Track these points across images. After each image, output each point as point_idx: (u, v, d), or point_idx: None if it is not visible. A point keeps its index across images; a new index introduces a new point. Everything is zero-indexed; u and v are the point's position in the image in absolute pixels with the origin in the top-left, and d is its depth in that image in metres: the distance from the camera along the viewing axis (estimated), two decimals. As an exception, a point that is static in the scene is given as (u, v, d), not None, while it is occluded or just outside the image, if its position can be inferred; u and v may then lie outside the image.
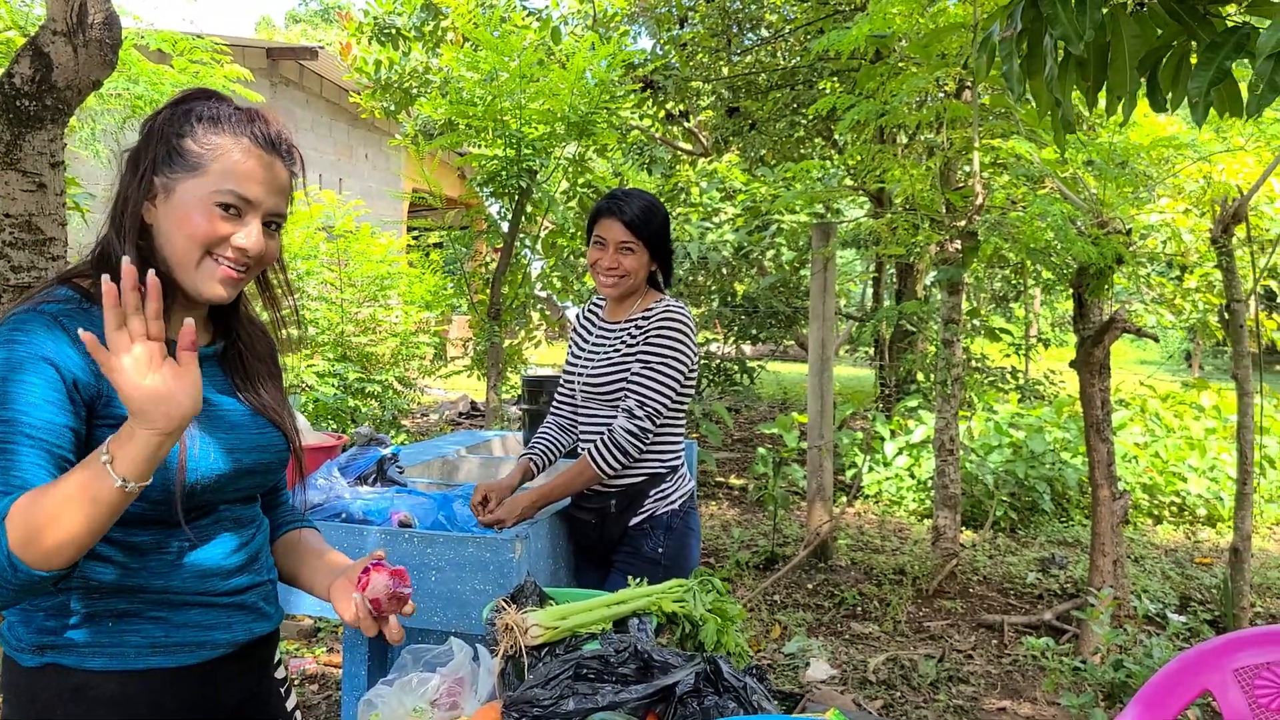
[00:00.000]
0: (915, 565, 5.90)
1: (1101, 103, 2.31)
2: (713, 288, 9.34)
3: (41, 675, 1.42)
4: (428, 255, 8.89)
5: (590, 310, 2.89)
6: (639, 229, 2.61)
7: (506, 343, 7.36)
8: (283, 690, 1.71)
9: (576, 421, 2.83)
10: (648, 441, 2.63)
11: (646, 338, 2.62)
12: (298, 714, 1.74)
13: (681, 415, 2.74)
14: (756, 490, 7.87)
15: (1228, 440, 7.87)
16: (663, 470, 2.71)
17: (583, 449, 2.70)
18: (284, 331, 1.67)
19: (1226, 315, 4.94)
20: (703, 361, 9.33)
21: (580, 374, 2.76)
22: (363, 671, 2.81)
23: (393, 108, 8.27)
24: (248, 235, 1.44)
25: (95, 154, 7.46)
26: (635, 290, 2.71)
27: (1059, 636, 4.87)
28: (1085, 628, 4.50)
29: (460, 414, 10.45)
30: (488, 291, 6.35)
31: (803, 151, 9.11)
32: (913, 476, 7.85)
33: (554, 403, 2.93)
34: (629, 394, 2.61)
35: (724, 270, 8.21)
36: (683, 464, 2.78)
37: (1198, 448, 7.93)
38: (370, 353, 7.97)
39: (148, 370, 1.21)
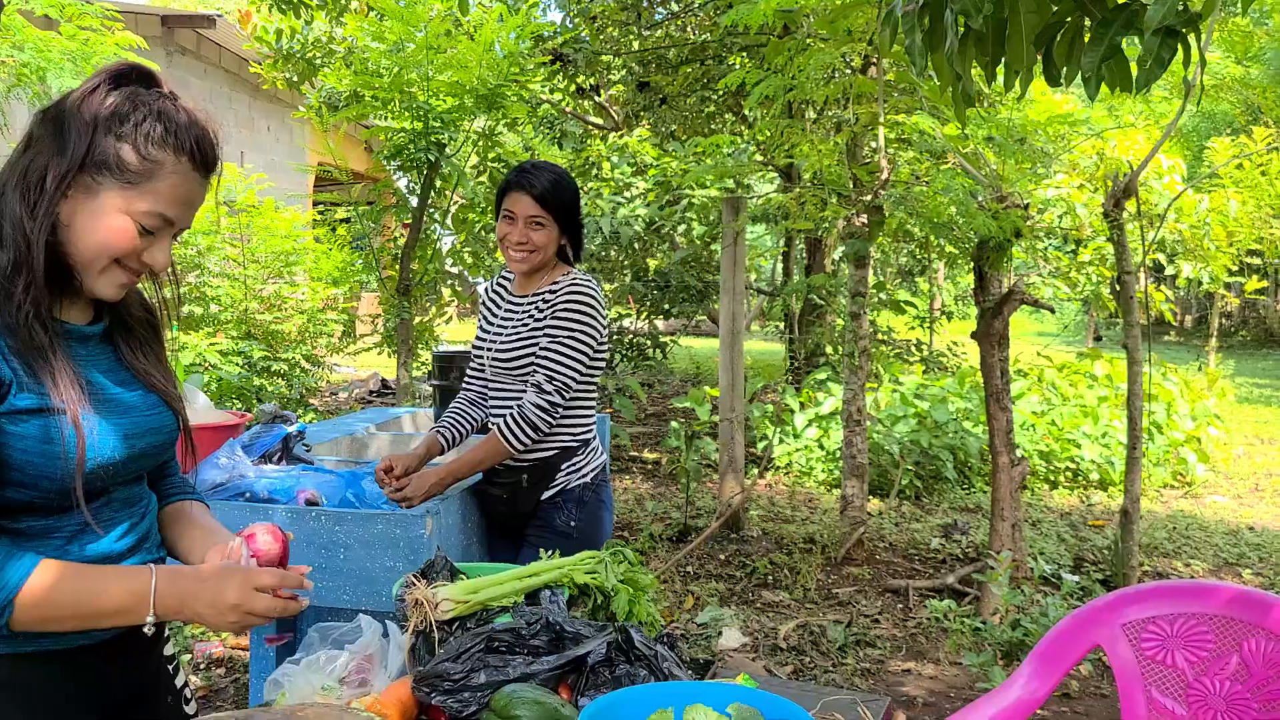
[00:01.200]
0: (824, 534, 6.02)
1: (1001, 78, 2.37)
2: (625, 263, 9.34)
3: None
4: (334, 230, 8.71)
5: (498, 284, 2.87)
6: (548, 203, 2.59)
7: (417, 319, 7.26)
8: (171, 668, 1.68)
9: (487, 396, 2.81)
10: (558, 416, 2.62)
11: (554, 312, 2.61)
12: (187, 690, 1.71)
13: (592, 389, 2.74)
14: (670, 464, 7.93)
15: (1119, 408, 8.19)
16: (574, 444, 2.71)
17: (493, 424, 2.69)
18: (168, 310, 1.62)
19: (1118, 287, 5.12)
20: (615, 337, 9.33)
21: (489, 349, 2.73)
22: (270, 653, 2.77)
23: (295, 79, 8.03)
24: (159, 253, 1.42)
25: (-21, 123, 7.10)
26: (544, 265, 2.69)
27: (961, 599, 5.03)
28: (985, 590, 4.65)
29: (371, 392, 10.29)
30: (396, 267, 6.25)
31: (713, 127, 9.14)
32: (822, 448, 8.00)
33: (465, 378, 2.90)
34: (538, 369, 2.60)
35: (635, 245, 8.22)
36: (594, 437, 2.78)
37: (1091, 415, 8.24)
38: (276, 330, 7.78)
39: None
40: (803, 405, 8.33)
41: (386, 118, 6.57)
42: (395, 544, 2.39)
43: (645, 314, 9.84)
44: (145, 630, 1.39)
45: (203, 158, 1.42)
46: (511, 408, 2.66)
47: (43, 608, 1.32)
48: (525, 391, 2.63)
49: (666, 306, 9.73)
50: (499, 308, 2.81)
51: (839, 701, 1.73)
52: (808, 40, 5.47)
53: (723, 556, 5.70)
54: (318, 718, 1.55)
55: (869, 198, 5.36)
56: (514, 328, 2.70)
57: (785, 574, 5.41)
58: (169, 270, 1.58)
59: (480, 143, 7.23)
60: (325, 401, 9.63)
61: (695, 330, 13.06)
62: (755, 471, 7.83)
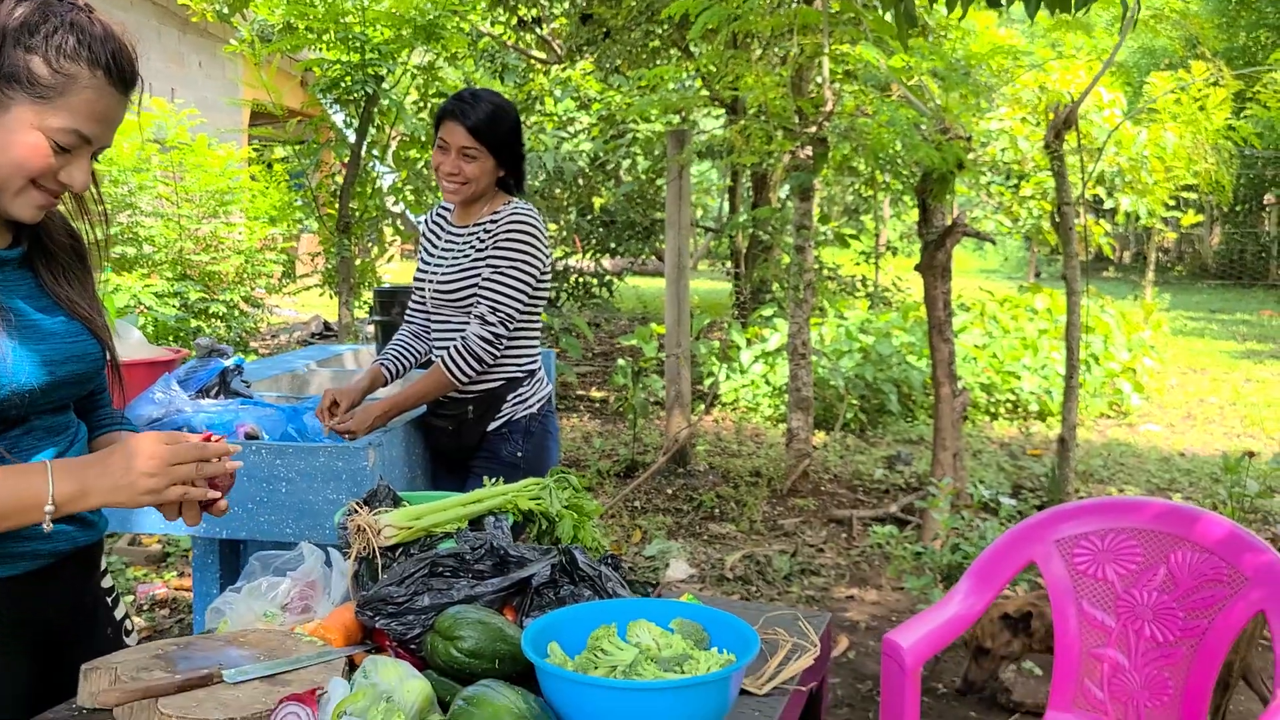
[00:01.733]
0: (770, 467, 6.09)
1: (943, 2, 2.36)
2: (570, 200, 9.25)
3: None
4: (270, 168, 8.49)
5: (438, 215, 2.82)
6: (482, 134, 2.54)
7: (359, 259, 7.14)
8: (110, 599, 1.65)
9: (430, 329, 2.78)
10: (502, 347, 2.60)
11: (496, 242, 2.58)
12: (128, 622, 1.69)
13: (536, 319, 2.72)
14: (617, 402, 7.94)
15: (1058, 340, 8.35)
16: (519, 375, 2.69)
17: (436, 357, 2.66)
18: (94, 236, 1.57)
19: (1057, 219, 5.19)
20: (561, 276, 9.27)
21: (430, 280, 2.70)
22: (215, 589, 2.75)
23: (225, 10, 7.77)
24: (77, 172, 1.36)
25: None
26: (480, 196, 2.65)
27: (904, 527, 5.13)
28: (927, 516, 4.75)
29: (313, 334, 10.14)
30: (336, 205, 6.12)
31: (658, 61, 9.02)
32: (768, 383, 8.06)
33: (407, 311, 2.87)
34: (480, 300, 2.57)
35: (580, 182, 8.13)
36: (539, 368, 2.77)
37: (1031, 348, 8.39)
38: (212, 271, 7.60)
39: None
40: (749, 341, 8.38)
41: (321, 50, 6.39)
42: (337, 476, 2.37)
43: (591, 252, 9.78)
44: (44, 527, 1.33)
45: (119, 72, 1.35)
46: (455, 340, 2.63)
47: None
48: (468, 323, 2.61)
49: (613, 245, 9.68)
50: (439, 239, 2.77)
51: (781, 617, 1.76)
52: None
53: (670, 491, 5.75)
54: (260, 642, 1.54)
55: (813, 130, 5.35)
56: (455, 258, 2.66)
57: (732, 507, 5.48)
58: (96, 199, 1.53)
59: (421, 77, 7.07)
60: (265, 344, 9.48)
61: (643, 269, 13.04)
62: (702, 407, 7.88)
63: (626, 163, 7.63)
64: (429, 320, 2.77)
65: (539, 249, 2.61)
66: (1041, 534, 2.24)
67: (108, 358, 1.55)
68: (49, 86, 1.30)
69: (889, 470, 6.28)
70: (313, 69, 6.66)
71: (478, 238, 2.63)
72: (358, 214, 6.06)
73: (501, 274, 2.56)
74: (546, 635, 1.44)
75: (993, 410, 8.13)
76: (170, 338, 6.68)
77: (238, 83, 13.15)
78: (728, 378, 8.18)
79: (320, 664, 1.48)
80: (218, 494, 1.45)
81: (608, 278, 9.43)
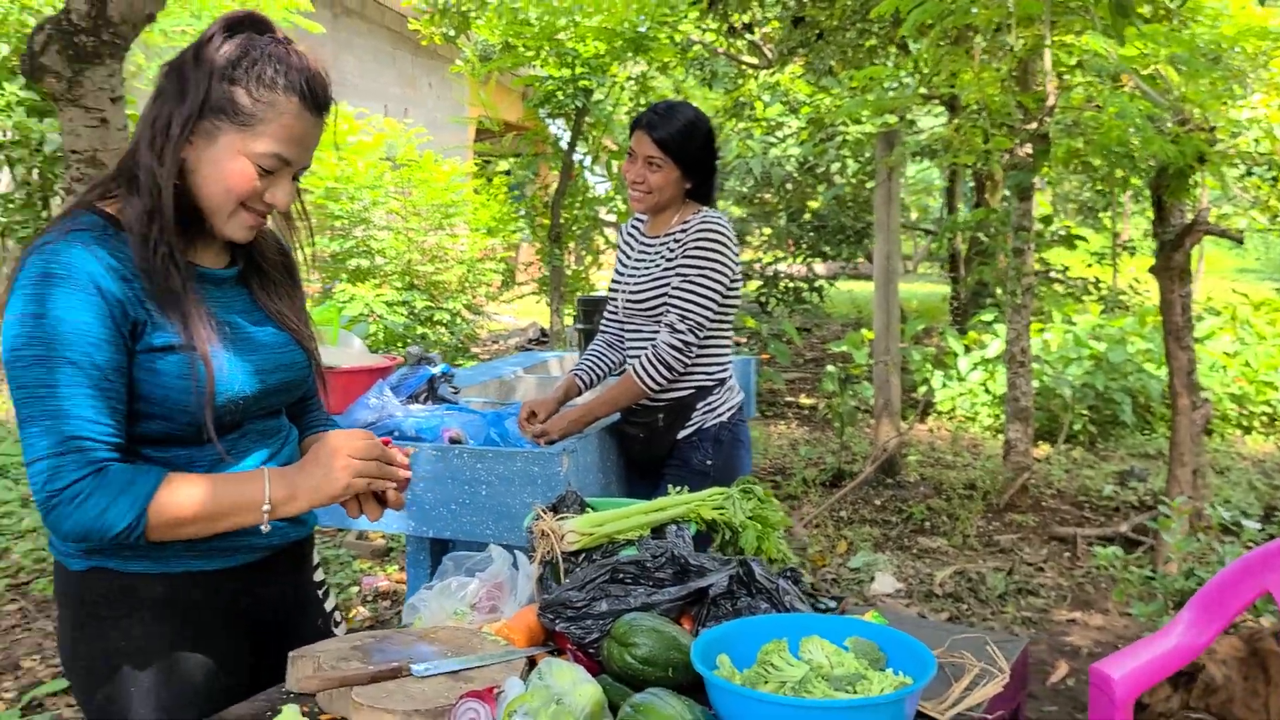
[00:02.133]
0: (986, 480, 5.82)
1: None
2: (780, 205, 9.18)
3: (87, 577, 1.48)
4: (490, 181, 8.89)
5: (633, 226, 2.87)
6: (668, 145, 2.56)
7: (572, 268, 7.36)
8: (321, 592, 1.76)
9: (623, 338, 2.83)
10: (692, 356, 2.61)
11: (685, 251, 2.59)
12: (336, 614, 1.80)
13: (726, 327, 2.72)
14: (825, 409, 7.81)
15: (1322, 347, 7.56)
16: (710, 383, 2.69)
17: (629, 365, 2.70)
18: (300, 252, 1.69)
19: (1318, 214, 4.70)
20: (770, 280, 9.21)
21: (623, 290, 2.74)
22: (424, 584, 2.89)
23: (451, 32, 8.21)
24: (280, 193, 1.47)
25: (163, 91, 7.56)
26: (665, 206, 2.67)
27: (1134, 549, 4.78)
28: (1160, 539, 4.40)
29: (530, 340, 10.53)
30: (548, 215, 6.33)
31: (874, 61, 8.81)
32: (988, 391, 7.72)
33: (602, 321, 2.92)
34: (670, 309, 2.59)
35: (788, 186, 8.05)
36: (730, 377, 2.76)
37: (1289, 355, 7.64)
38: (437, 281, 8.05)
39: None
40: (967, 348, 8.04)
41: (538, 66, 6.64)
42: (533, 481, 2.44)
43: (802, 256, 9.67)
44: (263, 528, 1.45)
45: (314, 98, 1.45)
46: (646, 348, 2.66)
47: (169, 511, 1.38)
48: (659, 332, 2.63)
49: (824, 249, 9.53)
50: (633, 249, 2.81)
51: (969, 640, 1.67)
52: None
53: (878, 502, 5.59)
54: (449, 639, 1.61)
55: (1034, 126, 5.07)
56: (646, 268, 2.69)
57: (943, 520, 5.27)
58: (301, 214, 1.65)
59: (633, 88, 7.22)
60: (486, 349, 9.92)
61: (856, 272, 12.76)
62: (914, 416, 7.63)
63: (836, 166, 7.50)
64: (623, 330, 2.82)
65: (728, 257, 2.60)
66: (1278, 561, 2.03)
67: (313, 366, 1.66)
68: (251, 115, 1.41)
69: (1120, 486, 5.86)
70: (530, 85, 6.94)
71: (668, 247, 2.65)
72: (569, 224, 6.24)
73: (691, 282, 2.57)
74: (717, 647, 1.42)
75: (1245, 423, 7.45)
76: (400, 343, 7.11)
77: (463, 102, 13.87)
78: (944, 385, 7.89)
79: (502, 663, 1.52)
80: (392, 484, 1.53)
81: (818, 282, 9.30)
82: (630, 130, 2.66)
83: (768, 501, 2.07)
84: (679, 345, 2.58)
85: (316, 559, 1.78)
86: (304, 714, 1.43)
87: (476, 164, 10.25)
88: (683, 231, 2.64)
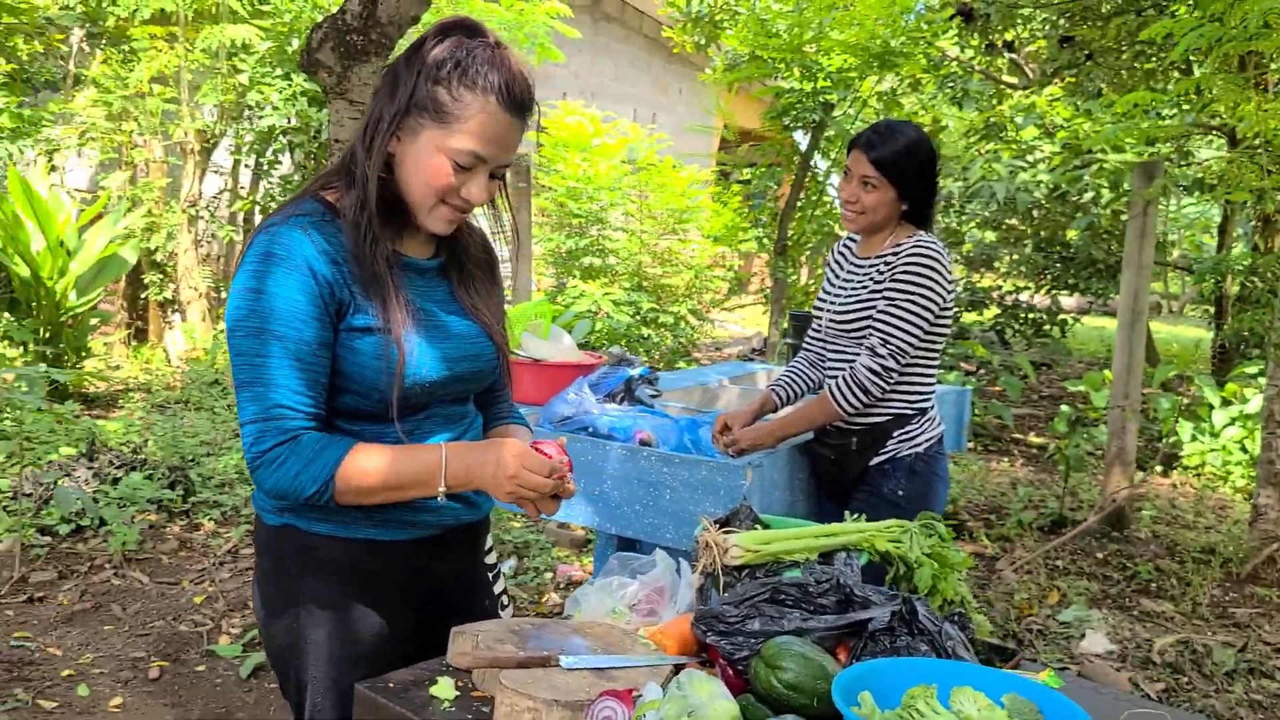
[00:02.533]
0: (1228, 546, 5.32)
1: None
2: (1028, 232, 8.75)
3: (280, 532, 1.62)
4: (727, 189, 8.96)
5: (844, 246, 2.82)
6: (885, 165, 2.51)
7: (800, 281, 7.31)
8: (491, 575, 1.84)
9: (825, 357, 2.79)
10: (891, 381, 2.54)
11: (894, 274, 2.53)
12: (504, 597, 1.87)
13: (932, 356, 2.63)
14: (1056, 450, 7.37)
15: None
16: (909, 412, 2.61)
17: (826, 385, 2.66)
18: (503, 247, 1.77)
19: None
20: (1008, 310, 8.79)
21: (828, 310, 2.70)
22: (604, 579, 2.96)
23: (702, 41, 8.34)
24: (477, 189, 1.53)
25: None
26: (879, 227, 2.61)
27: (1398, 643, 4.24)
28: None
29: (753, 350, 10.53)
30: (775, 226, 6.32)
31: (1152, 86, 8.23)
32: (1244, 450, 7.04)
33: (805, 338, 2.90)
34: (873, 331, 2.53)
35: (1035, 213, 7.65)
36: (932, 407, 2.67)
37: None
38: (665, 284, 8.20)
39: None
40: (1226, 401, 7.37)
41: (785, 78, 6.64)
42: (716, 491, 2.46)
43: (1047, 287, 9.17)
44: (439, 500, 1.52)
45: (511, 99, 1.50)
46: (846, 369, 2.61)
47: (354, 479, 1.48)
48: (860, 354, 2.58)
49: (1071, 281, 8.99)
50: (841, 269, 2.77)
51: (1149, 717, 1.55)
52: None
53: (1100, 555, 5.23)
54: (602, 636, 1.65)
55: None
56: (853, 289, 2.65)
57: (1172, 583, 4.86)
58: (507, 206, 1.72)
59: (880, 103, 7.08)
60: (708, 355, 10.00)
61: (1106, 309, 11.96)
62: (1157, 468, 7.08)
63: (1090, 195, 7.06)
64: (825, 349, 2.78)
65: (939, 284, 2.51)
66: None
67: (501, 359, 1.73)
68: (449, 112, 1.48)
69: (1391, 571, 5.21)
70: (775, 95, 6.95)
71: (877, 270, 2.59)
72: (798, 237, 6.20)
73: (897, 306, 2.51)
74: (862, 683, 1.39)
75: None
76: (622, 342, 7.30)
77: (712, 109, 14.05)
78: (1193, 438, 7.26)
79: (648, 667, 1.55)
80: (566, 492, 1.58)
81: (1061, 316, 8.78)
82: (848, 149, 2.63)
83: (949, 542, 1.99)
84: (878, 370, 2.52)
85: (490, 543, 1.87)
86: (457, 688, 1.50)
87: (714, 172, 10.34)
88: (894, 254, 2.58)
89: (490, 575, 1.86)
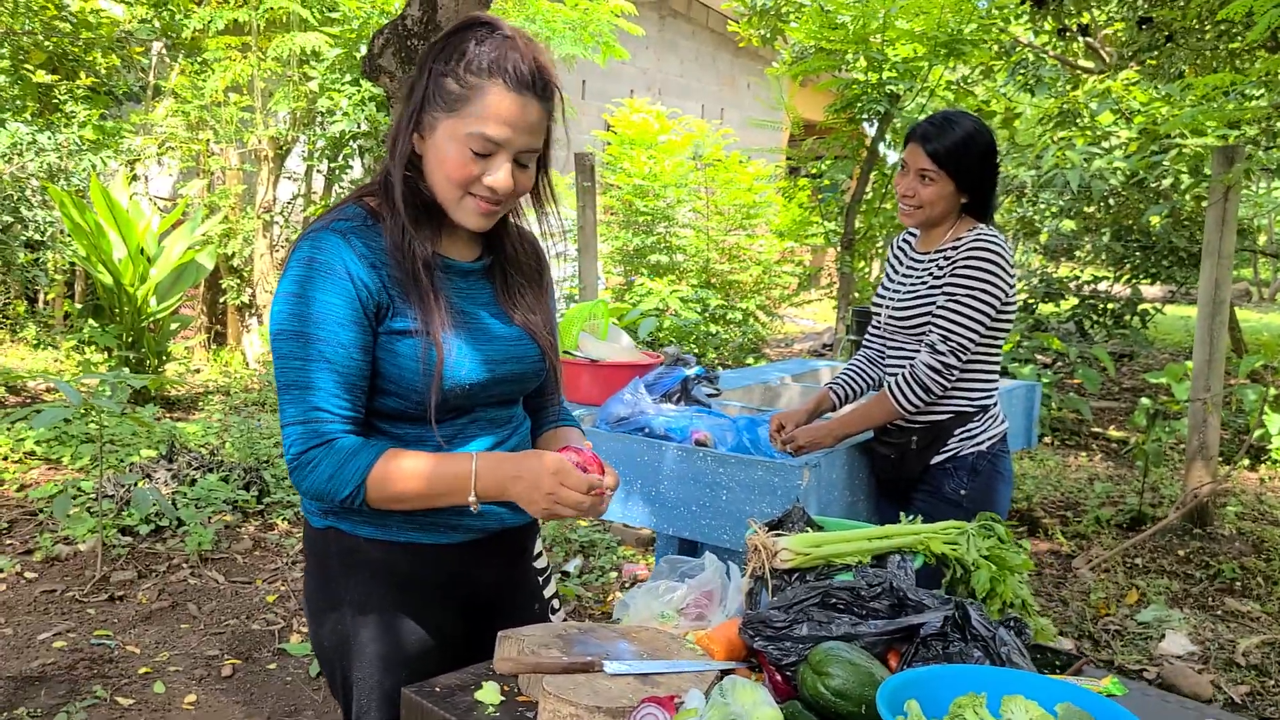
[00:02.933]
0: (1320, 543, 5.11)
1: None
2: (1105, 220, 8.51)
3: (325, 534, 1.64)
4: (795, 184, 8.88)
5: (904, 240, 2.77)
6: (942, 158, 2.45)
7: (871, 274, 7.21)
8: (541, 579, 1.84)
9: (885, 354, 2.74)
10: (952, 378, 2.49)
11: (955, 269, 2.47)
12: (555, 601, 1.87)
13: (994, 352, 2.56)
14: (1134, 445, 7.16)
15: None
16: (970, 409, 2.55)
17: (886, 382, 2.62)
18: (548, 241, 1.74)
19: None
20: (1086, 300, 8.55)
21: (887, 306, 2.66)
22: (665, 579, 2.95)
23: (767, 34, 8.27)
24: (496, 176, 1.50)
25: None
26: (937, 221, 2.55)
27: None
28: None
29: (824, 345, 10.42)
30: (842, 220, 6.24)
31: (1237, 66, 7.94)
32: (1338, 443, 6.76)
33: (866, 335, 2.85)
34: (933, 328, 2.48)
35: (1111, 201, 7.43)
36: (995, 404, 2.60)
37: None
38: (733, 280, 8.15)
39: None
40: (1318, 392, 7.08)
41: (850, 69, 6.55)
42: (773, 491, 2.43)
43: (1126, 277, 8.90)
44: (471, 509, 1.51)
45: (517, 78, 1.47)
46: (905, 366, 2.57)
47: (386, 486, 1.49)
48: (919, 351, 2.53)
49: (1153, 270, 8.72)
50: (901, 264, 2.72)
51: (1216, 729, 1.49)
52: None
53: (1182, 553, 5.06)
54: (649, 641, 1.64)
55: None
56: (913, 285, 2.60)
57: (1259, 582, 4.69)
58: (548, 197, 1.68)
59: (946, 93, 6.95)
60: (778, 351, 9.92)
61: (1189, 298, 11.57)
62: (1244, 462, 6.83)
63: (1169, 181, 6.83)
64: (885, 346, 2.73)
65: (1001, 279, 2.45)
66: None
67: (548, 362, 1.73)
68: (457, 98, 1.48)
69: None
70: (843, 87, 6.86)
71: (937, 264, 2.54)
72: (863, 231, 6.12)
73: (957, 302, 2.45)
74: (909, 691, 1.35)
75: None
76: (690, 339, 7.27)
77: (779, 103, 13.94)
78: (1283, 431, 6.99)
79: (693, 673, 1.53)
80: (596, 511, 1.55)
81: (1141, 306, 8.51)
82: (904, 141, 2.57)
83: (1009, 542, 1.94)
84: (939, 367, 2.47)
85: (539, 547, 1.87)
86: (503, 693, 1.51)
87: (781, 166, 10.25)
88: (954, 249, 2.52)
89: (540, 579, 1.86)
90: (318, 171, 8.85)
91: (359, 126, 7.54)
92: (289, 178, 8.88)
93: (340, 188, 8.48)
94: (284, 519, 4.89)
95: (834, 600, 1.65)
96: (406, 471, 1.50)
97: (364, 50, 7.53)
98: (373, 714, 1.63)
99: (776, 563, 1.74)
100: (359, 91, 7.31)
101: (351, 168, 8.49)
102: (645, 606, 1.75)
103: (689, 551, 3.04)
